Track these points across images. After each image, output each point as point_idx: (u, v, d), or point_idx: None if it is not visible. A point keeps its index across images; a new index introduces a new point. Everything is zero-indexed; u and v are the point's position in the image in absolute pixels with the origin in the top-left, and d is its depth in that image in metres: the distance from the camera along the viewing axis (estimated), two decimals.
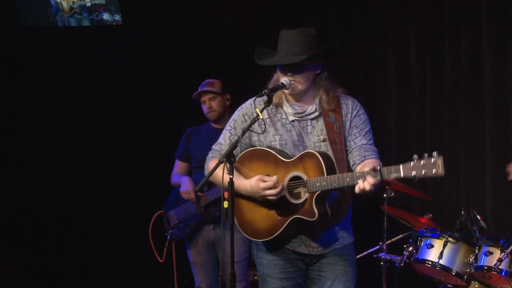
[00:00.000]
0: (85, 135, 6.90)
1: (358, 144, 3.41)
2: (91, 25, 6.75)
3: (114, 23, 6.74)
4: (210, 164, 3.54)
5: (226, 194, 3.21)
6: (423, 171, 2.95)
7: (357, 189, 3.11)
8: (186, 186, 4.96)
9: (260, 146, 3.47)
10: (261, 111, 3.33)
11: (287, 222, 3.34)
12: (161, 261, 5.17)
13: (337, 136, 3.38)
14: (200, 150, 5.00)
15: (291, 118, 3.46)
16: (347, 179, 3.17)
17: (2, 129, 6.91)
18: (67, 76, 6.91)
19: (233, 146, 3.25)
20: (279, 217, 3.36)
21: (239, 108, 3.58)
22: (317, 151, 3.31)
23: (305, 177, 3.29)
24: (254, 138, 3.50)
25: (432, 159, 2.94)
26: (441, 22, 5.79)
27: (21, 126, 6.96)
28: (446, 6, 5.76)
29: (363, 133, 3.43)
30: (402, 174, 2.99)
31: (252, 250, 3.65)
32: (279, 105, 3.48)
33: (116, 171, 6.84)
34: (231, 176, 3.17)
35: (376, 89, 6.20)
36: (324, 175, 3.24)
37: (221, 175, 3.23)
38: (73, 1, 6.71)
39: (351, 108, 3.46)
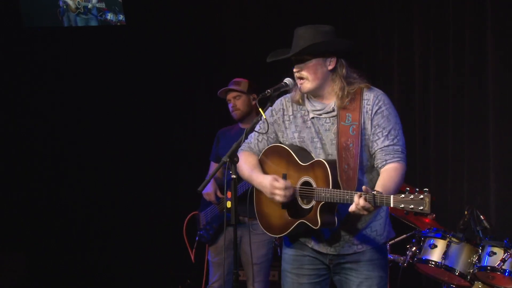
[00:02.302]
0: (88, 135, 6.90)
1: (380, 146, 3.27)
2: (98, 25, 6.76)
3: (118, 23, 6.75)
4: (240, 155, 3.46)
5: (229, 194, 3.21)
6: (411, 206, 2.97)
7: (350, 209, 3.09)
8: (207, 189, 4.95)
9: (283, 143, 3.46)
10: (265, 111, 3.32)
11: (294, 225, 3.34)
12: (193, 261, 5.15)
13: (351, 141, 3.27)
14: (227, 151, 4.98)
15: (311, 115, 3.41)
16: (347, 197, 3.13)
17: (4, 129, 6.92)
18: (70, 76, 6.92)
19: (237, 146, 3.26)
20: (289, 218, 3.36)
21: None
22: (327, 161, 3.25)
23: (314, 185, 3.28)
24: (279, 133, 3.48)
25: (420, 196, 2.97)
26: (445, 22, 5.78)
27: (24, 126, 6.96)
28: (450, 7, 5.75)
29: (386, 133, 3.29)
30: (392, 204, 3.02)
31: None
32: (301, 101, 3.43)
33: (116, 171, 6.86)
34: (234, 176, 3.18)
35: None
36: (329, 187, 3.21)
37: (245, 169, 3.34)
38: (78, 1, 6.71)
39: (372, 103, 3.32)
